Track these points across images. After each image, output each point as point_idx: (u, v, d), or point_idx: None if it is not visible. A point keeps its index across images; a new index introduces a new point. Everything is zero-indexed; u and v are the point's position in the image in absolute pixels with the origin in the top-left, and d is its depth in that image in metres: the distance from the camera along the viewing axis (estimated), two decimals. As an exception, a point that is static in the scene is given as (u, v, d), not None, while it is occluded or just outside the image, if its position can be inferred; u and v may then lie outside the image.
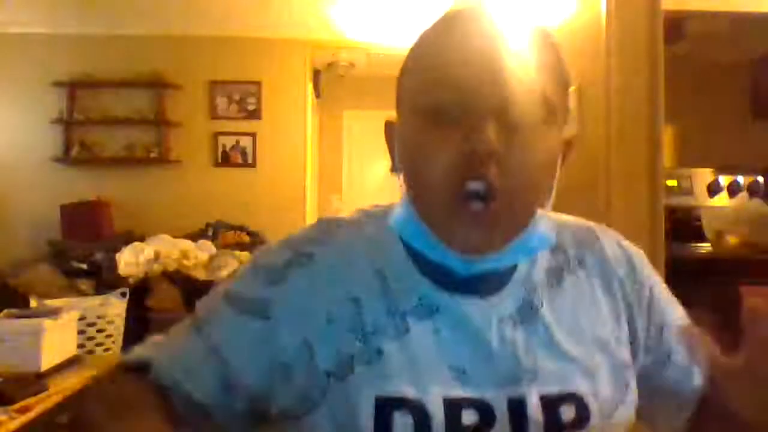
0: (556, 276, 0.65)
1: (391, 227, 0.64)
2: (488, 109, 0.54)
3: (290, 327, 0.61)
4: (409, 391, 0.57)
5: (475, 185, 0.54)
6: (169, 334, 0.69)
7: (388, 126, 0.66)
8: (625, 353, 0.64)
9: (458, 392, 0.57)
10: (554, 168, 0.60)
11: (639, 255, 0.70)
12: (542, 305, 0.62)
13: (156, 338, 0.70)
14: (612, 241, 0.70)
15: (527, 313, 0.62)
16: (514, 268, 0.64)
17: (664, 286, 0.71)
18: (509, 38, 0.57)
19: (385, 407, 0.56)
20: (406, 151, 0.61)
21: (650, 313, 0.67)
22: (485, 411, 0.57)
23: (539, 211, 0.61)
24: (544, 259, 0.66)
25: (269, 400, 0.62)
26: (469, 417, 0.57)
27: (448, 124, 0.56)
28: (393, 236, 0.65)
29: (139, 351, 0.68)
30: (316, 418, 0.59)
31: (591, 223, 0.72)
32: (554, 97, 0.57)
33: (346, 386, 0.58)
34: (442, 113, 0.56)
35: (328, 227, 0.67)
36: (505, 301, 0.62)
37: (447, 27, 0.60)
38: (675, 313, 0.69)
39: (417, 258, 0.63)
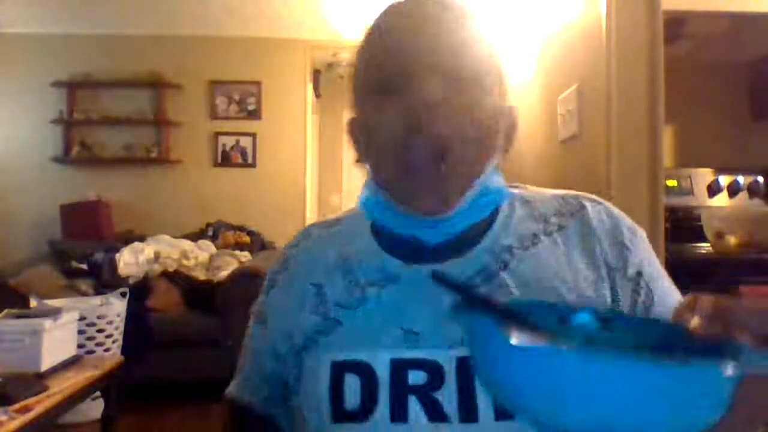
0: (530, 240, 0.65)
1: (360, 209, 0.69)
2: (428, 67, 0.58)
3: (277, 324, 0.69)
4: (361, 355, 0.60)
5: (421, 141, 0.57)
6: (240, 365, 0.77)
7: (349, 122, 0.70)
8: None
9: (408, 353, 0.60)
10: (497, 126, 0.63)
11: (634, 228, 0.68)
12: (504, 268, 0.63)
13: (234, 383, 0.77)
14: (600, 209, 0.68)
15: (487, 276, 0.62)
16: (482, 235, 0.65)
17: (661, 269, 0.68)
18: (445, 12, 0.61)
19: (340, 371, 0.60)
20: (362, 129, 0.64)
21: (639, 285, 0.64)
22: (434, 371, 0.59)
23: (490, 169, 0.64)
24: (520, 225, 0.66)
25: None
26: (416, 377, 0.59)
27: (394, 93, 0.59)
28: (365, 225, 0.70)
29: (230, 388, 0.77)
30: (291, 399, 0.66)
31: (581, 193, 0.71)
32: (489, 59, 0.62)
33: (309, 357, 0.63)
34: (388, 83, 0.59)
35: (305, 231, 0.76)
36: (466, 265, 0.63)
37: (386, 15, 0.64)
38: (669, 296, 0.65)
39: (383, 239, 0.68)
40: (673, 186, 2.78)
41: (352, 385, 0.59)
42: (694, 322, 0.40)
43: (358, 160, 0.68)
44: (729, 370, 0.34)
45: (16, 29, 4.46)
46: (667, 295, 0.65)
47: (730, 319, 0.40)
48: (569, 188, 0.73)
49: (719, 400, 0.36)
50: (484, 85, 0.60)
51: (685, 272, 2.21)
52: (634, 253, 0.65)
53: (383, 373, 0.59)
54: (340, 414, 0.59)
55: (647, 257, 0.67)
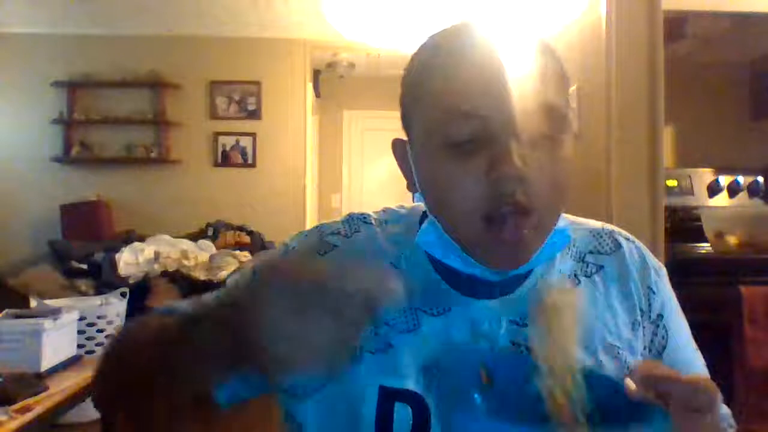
0: (571, 280, 0.66)
1: (418, 244, 0.65)
2: (509, 134, 0.55)
3: None
4: (413, 385, 0.58)
5: (507, 209, 0.55)
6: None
7: (398, 145, 0.67)
8: (637, 362, 0.64)
9: None
10: (571, 172, 0.61)
11: (659, 268, 0.70)
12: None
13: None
14: (633, 248, 0.70)
15: (537, 315, 0.62)
16: (530, 270, 0.65)
17: (678, 308, 0.71)
18: (516, 58, 0.56)
19: (388, 397, 0.58)
20: (428, 179, 0.61)
21: (658, 326, 0.67)
22: None
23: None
24: (561, 263, 0.67)
25: None
26: None
27: (470, 154, 0.56)
28: (413, 237, 0.65)
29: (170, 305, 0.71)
30: (317, 399, 0.61)
31: (613, 228, 0.72)
32: (563, 106, 0.59)
33: (353, 373, 0.59)
34: (464, 145, 0.56)
35: (355, 224, 0.70)
36: (517, 303, 0.63)
37: (452, 54, 0.59)
38: (681, 337, 0.69)
39: (434, 260, 0.64)
40: (673, 186, 2.79)
41: (402, 415, 0.58)
42: (632, 387, 0.49)
43: (409, 188, 0.65)
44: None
45: (16, 29, 4.45)
46: (679, 335, 0.69)
47: (657, 389, 0.48)
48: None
49: None
50: (562, 137, 0.58)
51: (685, 272, 2.22)
52: (657, 295, 0.68)
53: (435, 408, 0.58)
54: None
55: (667, 297, 0.69)
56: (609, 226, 0.72)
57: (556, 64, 0.60)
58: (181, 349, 0.50)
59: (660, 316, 0.67)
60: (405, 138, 0.66)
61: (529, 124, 0.55)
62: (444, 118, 0.57)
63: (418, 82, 0.61)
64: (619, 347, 0.63)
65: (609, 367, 0.62)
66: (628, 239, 0.71)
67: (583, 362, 0.61)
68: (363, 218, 0.71)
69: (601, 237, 0.70)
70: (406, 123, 0.64)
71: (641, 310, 0.66)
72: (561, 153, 0.58)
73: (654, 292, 0.67)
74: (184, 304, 0.69)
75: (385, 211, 0.73)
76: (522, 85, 0.55)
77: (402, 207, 0.74)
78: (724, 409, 0.70)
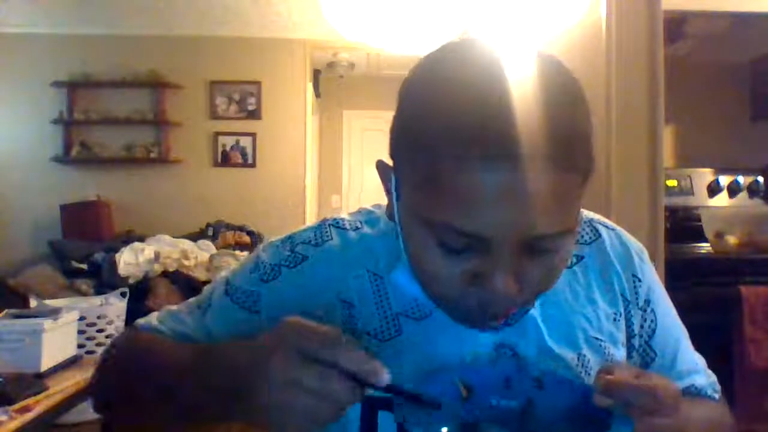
0: None
1: (385, 218, 0.64)
2: (511, 246, 0.48)
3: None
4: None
5: (490, 325, 0.54)
6: (179, 307, 0.72)
7: (382, 168, 0.59)
8: (620, 354, 0.63)
9: None
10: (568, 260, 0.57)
11: (641, 251, 0.69)
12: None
13: (167, 309, 0.73)
14: (613, 236, 0.68)
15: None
16: None
17: (662, 287, 0.70)
18: (539, 156, 0.48)
19: (372, 406, 0.58)
20: (410, 245, 0.55)
21: (646, 312, 0.66)
22: None
23: None
24: None
25: None
26: None
27: (460, 252, 0.50)
28: (392, 241, 0.63)
29: (149, 319, 0.72)
30: None
31: (592, 216, 0.70)
32: (577, 217, 0.54)
33: None
34: (458, 238, 0.49)
35: (327, 230, 0.67)
36: None
37: (462, 131, 0.47)
38: (667, 318, 0.69)
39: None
40: (673, 186, 2.79)
41: (387, 424, 0.57)
42: (596, 397, 0.49)
43: (389, 215, 0.59)
44: None
45: (16, 29, 4.45)
46: (666, 316, 0.68)
47: (611, 394, 0.48)
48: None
49: None
50: (571, 235, 0.52)
51: (685, 272, 2.22)
52: (643, 281, 0.67)
53: None
54: None
55: (652, 280, 0.68)
56: (588, 214, 0.69)
57: (585, 137, 0.56)
58: (190, 388, 0.53)
59: (647, 301, 0.66)
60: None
61: (534, 243, 0.49)
62: (437, 202, 0.49)
63: (413, 129, 0.51)
64: (601, 340, 0.62)
65: (593, 361, 0.61)
66: (607, 227, 0.69)
67: (566, 359, 0.60)
68: (335, 223, 0.67)
69: (581, 226, 0.67)
70: (394, 163, 0.56)
71: (626, 299, 0.65)
72: (566, 251, 0.53)
73: (640, 279, 0.66)
74: (188, 328, 0.69)
75: (359, 212, 0.70)
76: (540, 203, 0.47)
77: (378, 206, 0.70)
78: (705, 380, 0.70)
